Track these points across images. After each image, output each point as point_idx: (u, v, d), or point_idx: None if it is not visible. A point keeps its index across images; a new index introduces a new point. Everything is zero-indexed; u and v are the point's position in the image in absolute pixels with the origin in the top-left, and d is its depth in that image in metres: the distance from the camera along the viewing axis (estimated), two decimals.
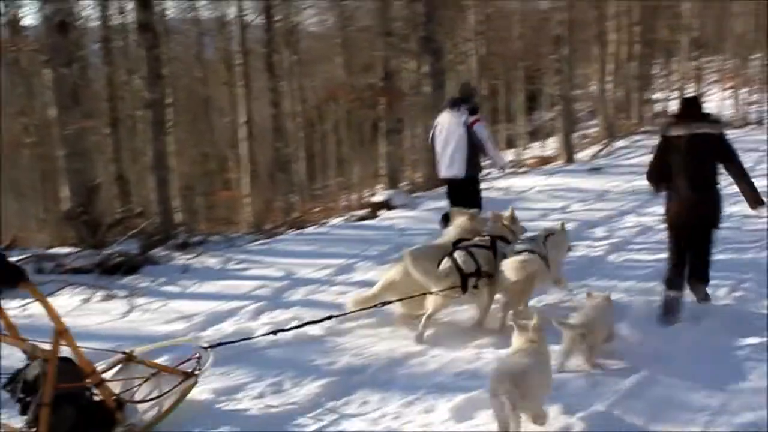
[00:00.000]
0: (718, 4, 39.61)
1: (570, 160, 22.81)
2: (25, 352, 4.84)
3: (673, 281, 6.94)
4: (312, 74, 42.83)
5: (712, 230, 6.96)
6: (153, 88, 11.74)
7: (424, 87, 20.61)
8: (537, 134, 49.73)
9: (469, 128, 9.52)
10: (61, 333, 4.68)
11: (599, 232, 11.04)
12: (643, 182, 7.48)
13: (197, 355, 5.45)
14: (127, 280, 9.03)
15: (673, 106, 39.25)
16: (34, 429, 4.51)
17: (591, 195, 11.71)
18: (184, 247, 10.52)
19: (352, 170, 34.40)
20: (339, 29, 34.29)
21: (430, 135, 10.19)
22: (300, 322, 6.38)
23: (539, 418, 4.53)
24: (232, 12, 26.56)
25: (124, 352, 5.23)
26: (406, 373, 5.82)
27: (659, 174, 7.10)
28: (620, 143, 26.18)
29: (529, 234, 7.48)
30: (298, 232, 12.45)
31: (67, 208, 10.81)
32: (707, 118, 7.03)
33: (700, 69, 37.65)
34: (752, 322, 6.63)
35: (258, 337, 6.23)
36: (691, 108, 7.12)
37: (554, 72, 25.58)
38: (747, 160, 18.93)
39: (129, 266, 9.37)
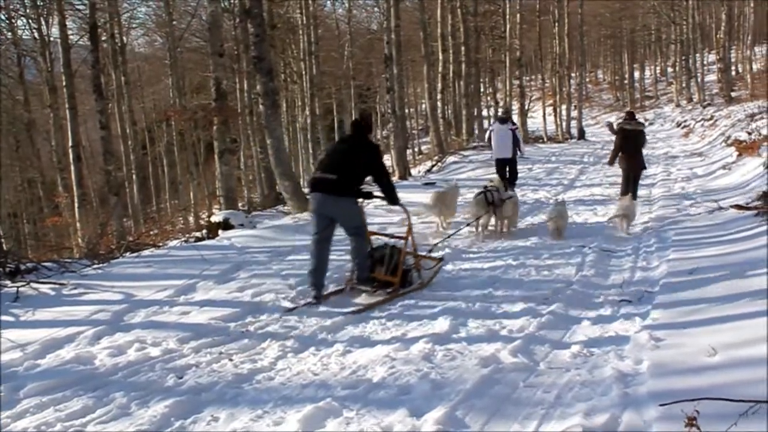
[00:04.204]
0: (536, 27, 41.60)
1: (405, 175, 23.31)
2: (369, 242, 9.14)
3: (624, 192, 14.09)
4: (142, 96, 41.99)
5: (641, 172, 14.97)
6: None
7: (257, 107, 20.59)
8: None
9: (512, 131, 17.28)
10: (409, 230, 9.32)
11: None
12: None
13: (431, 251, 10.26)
14: None
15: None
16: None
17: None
18: (13, 274, 10.01)
19: (188, 192, 33.88)
20: (168, 50, 33.70)
21: (486, 136, 18.51)
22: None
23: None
24: (54, 32, 25.65)
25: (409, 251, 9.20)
26: (254, 388, 5.82)
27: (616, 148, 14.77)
28: (452, 158, 27.02)
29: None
30: (135, 255, 12.10)
31: None
32: (638, 122, 14.78)
33: (523, 87, 39.41)
34: None
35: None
36: (631, 116, 14.80)
37: (385, 90, 26.13)
38: (570, 171, 20.17)
39: None
